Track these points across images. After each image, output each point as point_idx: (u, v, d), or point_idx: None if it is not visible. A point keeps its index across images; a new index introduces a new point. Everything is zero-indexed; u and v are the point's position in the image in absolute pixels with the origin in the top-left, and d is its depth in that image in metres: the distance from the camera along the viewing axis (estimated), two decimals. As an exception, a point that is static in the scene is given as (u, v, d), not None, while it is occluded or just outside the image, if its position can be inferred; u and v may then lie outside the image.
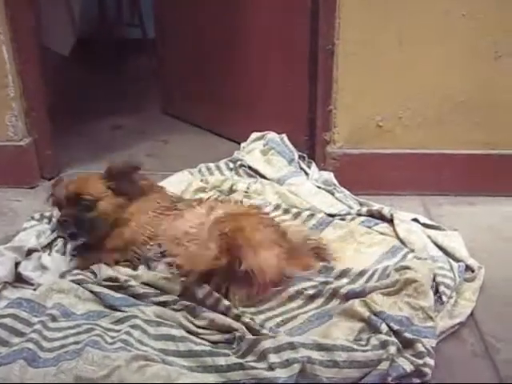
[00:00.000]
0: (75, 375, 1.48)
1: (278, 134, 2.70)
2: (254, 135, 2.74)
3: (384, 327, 1.62)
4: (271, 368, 1.50)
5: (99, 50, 4.38)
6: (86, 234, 1.95)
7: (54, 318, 1.70)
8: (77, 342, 1.61)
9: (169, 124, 3.46)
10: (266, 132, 2.72)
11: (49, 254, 2.03)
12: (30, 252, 2.01)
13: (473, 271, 1.95)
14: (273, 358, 1.51)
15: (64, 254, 2.04)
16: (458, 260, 1.99)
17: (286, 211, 2.26)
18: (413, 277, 1.75)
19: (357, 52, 2.42)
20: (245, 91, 3.03)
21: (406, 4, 2.35)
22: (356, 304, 1.70)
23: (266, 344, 1.54)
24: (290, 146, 2.66)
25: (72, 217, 1.92)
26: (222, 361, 1.54)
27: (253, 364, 1.52)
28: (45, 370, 1.52)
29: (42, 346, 1.60)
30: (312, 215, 2.22)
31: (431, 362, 1.57)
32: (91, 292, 1.81)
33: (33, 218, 2.24)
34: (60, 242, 2.08)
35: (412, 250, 2.01)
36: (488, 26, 2.35)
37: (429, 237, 2.10)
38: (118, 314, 1.73)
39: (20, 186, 2.65)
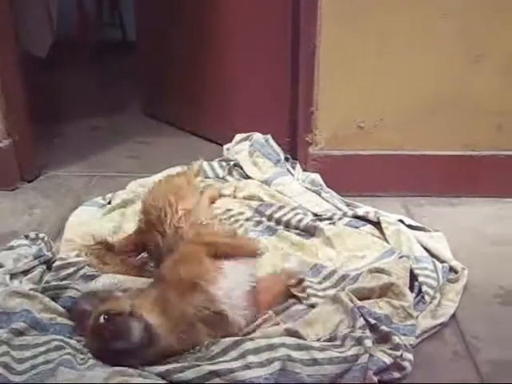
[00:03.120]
0: None
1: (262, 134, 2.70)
2: (239, 136, 2.73)
3: (361, 321, 1.61)
4: (248, 367, 1.47)
5: (79, 52, 4.35)
6: None
7: (20, 333, 1.59)
8: (48, 362, 1.50)
9: (149, 125, 3.43)
10: (250, 133, 2.70)
11: (20, 282, 1.84)
12: None
13: (456, 272, 1.96)
14: (251, 359, 1.49)
15: (36, 284, 1.83)
16: (442, 261, 1.99)
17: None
18: (388, 281, 1.75)
19: (338, 53, 2.42)
20: (226, 93, 3.02)
21: (387, 6, 2.36)
22: (342, 294, 1.71)
23: (246, 346, 1.52)
24: (276, 146, 2.65)
25: None
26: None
27: (228, 364, 1.47)
28: None
29: (12, 369, 1.49)
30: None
31: (409, 355, 1.57)
32: (55, 300, 1.70)
33: (27, 237, 2.05)
34: (38, 270, 1.88)
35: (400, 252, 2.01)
36: (467, 29, 2.37)
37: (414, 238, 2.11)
38: None
39: (-1, 188, 2.61)
